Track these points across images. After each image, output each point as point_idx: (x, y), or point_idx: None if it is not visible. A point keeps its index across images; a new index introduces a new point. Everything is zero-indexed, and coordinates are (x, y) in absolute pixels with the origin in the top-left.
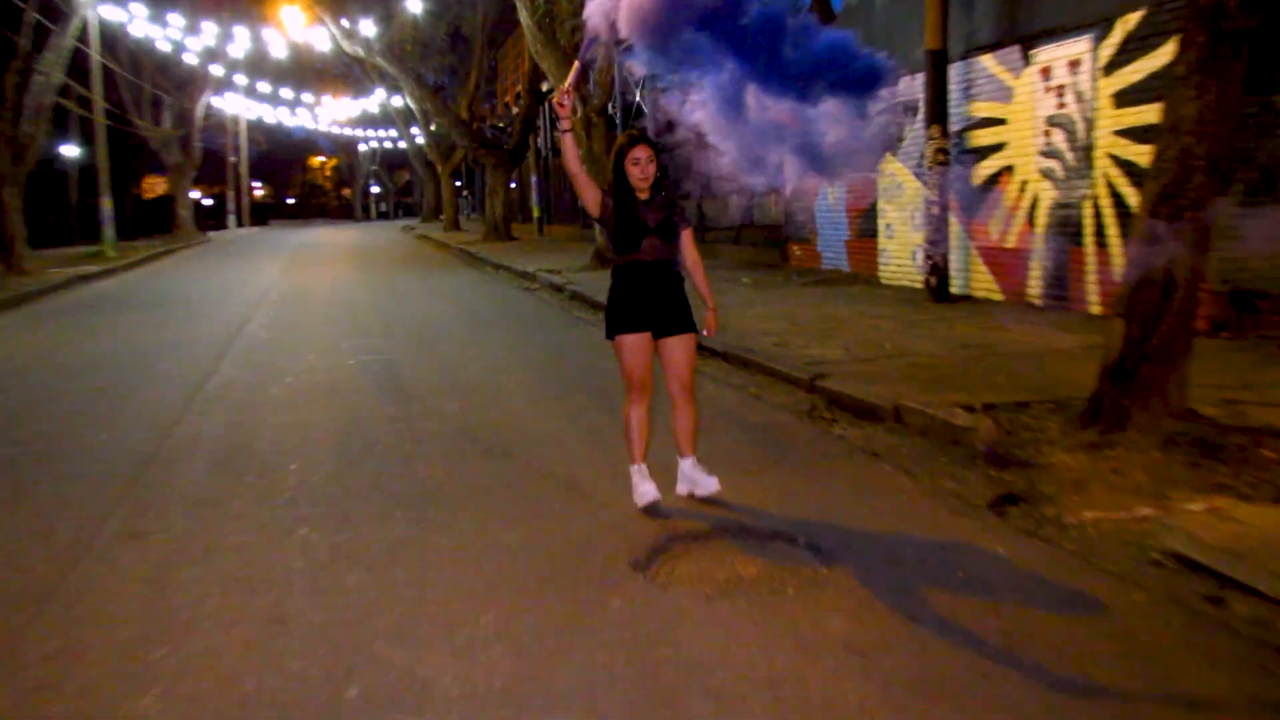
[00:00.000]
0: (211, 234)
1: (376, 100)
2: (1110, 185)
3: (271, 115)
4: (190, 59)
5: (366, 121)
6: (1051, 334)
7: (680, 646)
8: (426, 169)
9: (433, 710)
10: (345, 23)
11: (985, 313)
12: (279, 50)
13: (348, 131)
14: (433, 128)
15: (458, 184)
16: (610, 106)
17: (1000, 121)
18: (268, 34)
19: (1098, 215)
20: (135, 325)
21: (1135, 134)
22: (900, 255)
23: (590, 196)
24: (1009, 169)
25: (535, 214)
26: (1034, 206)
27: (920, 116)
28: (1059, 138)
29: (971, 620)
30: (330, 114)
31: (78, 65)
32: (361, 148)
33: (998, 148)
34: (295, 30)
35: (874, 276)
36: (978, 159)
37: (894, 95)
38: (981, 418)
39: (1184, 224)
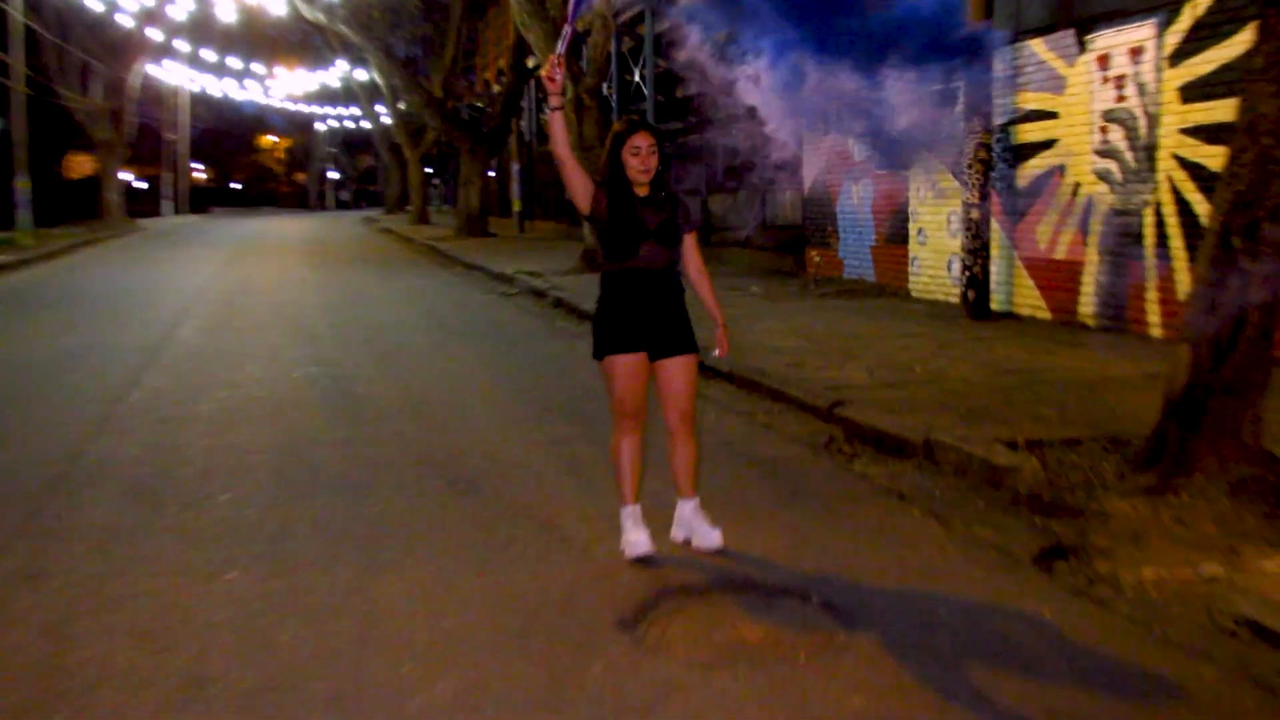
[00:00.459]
0: (144, 222)
1: (338, 73)
2: (1175, 190)
3: (217, 87)
4: (125, 20)
5: (326, 97)
6: (1106, 359)
7: None
8: (393, 153)
9: None
10: None
11: (1030, 333)
12: (227, 13)
13: (304, 108)
14: (401, 106)
15: (428, 171)
16: (605, 87)
17: (1051, 115)
18: None
19: (1160, 224)
20: (49, 326)
21: (1205, 133)
22: (934, 265)
23: (580, 189)
24: (1060, 169)
25: (516, 207)
26: (1088, 213)
27: (958, 107)
28: (1117, 135)
29: (1014, 698)
30: (284, 88)
31: None
32: (319, 127)
33: (1047, 145)
34: None
35: (903, 288)
36: (1024, 157)
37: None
38: (1026, 456)
39: (1261, 236)
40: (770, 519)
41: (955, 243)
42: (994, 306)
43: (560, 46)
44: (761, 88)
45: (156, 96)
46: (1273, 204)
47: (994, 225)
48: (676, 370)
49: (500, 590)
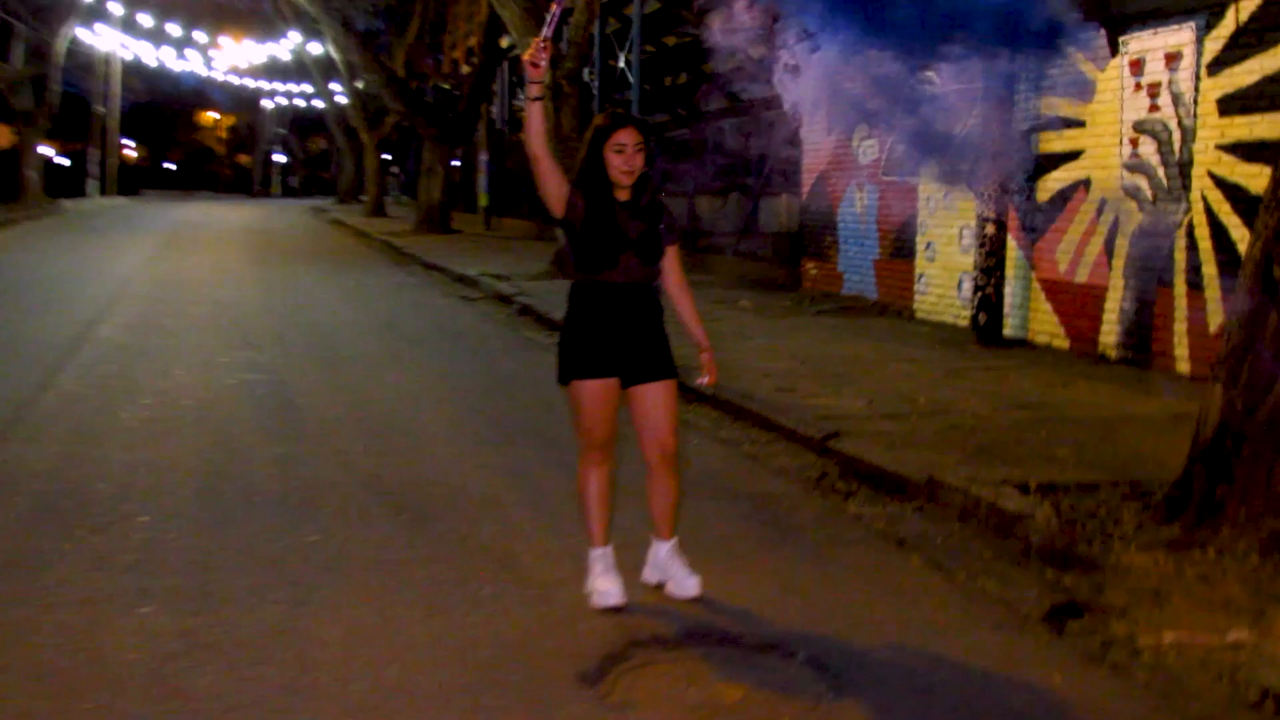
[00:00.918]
0: (66, 203)
1: (289, 46)
2: (1211, 212)
3: (153, 56)
4: None
5: (275, 72)
6: (1129, 396)
7: None
8: (348, 137)
9: None
10: None
11: (1046, 363)
12: None
13: (250, 83)
14: (359, 85)
15: (386, 158)
16: (587, 72)
17: (1078, 124)
18: None
19: (1193, 249)
20: None
21: (1246, 150)
22: (943, 283)
23: (554, 190)
24: (1085, 183)
25: (483, 202)
26: (1114, 233)
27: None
28: (1149, 148)
29: None
30: (229, 60)
31: None
32: (267, 104)
33: (1072, 156)
34: None
35: (907, 308)
36: (1046, 169)
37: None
38: (1038, 502)
39: None
40: (754, 563)
41: (967, 260)
42: (1007, 332)
43: (546, 29)
44: (802, 71)
45: (85, 64)
46: None
47: (1010, 242)
48: (654, 398)
49: (449, 636)
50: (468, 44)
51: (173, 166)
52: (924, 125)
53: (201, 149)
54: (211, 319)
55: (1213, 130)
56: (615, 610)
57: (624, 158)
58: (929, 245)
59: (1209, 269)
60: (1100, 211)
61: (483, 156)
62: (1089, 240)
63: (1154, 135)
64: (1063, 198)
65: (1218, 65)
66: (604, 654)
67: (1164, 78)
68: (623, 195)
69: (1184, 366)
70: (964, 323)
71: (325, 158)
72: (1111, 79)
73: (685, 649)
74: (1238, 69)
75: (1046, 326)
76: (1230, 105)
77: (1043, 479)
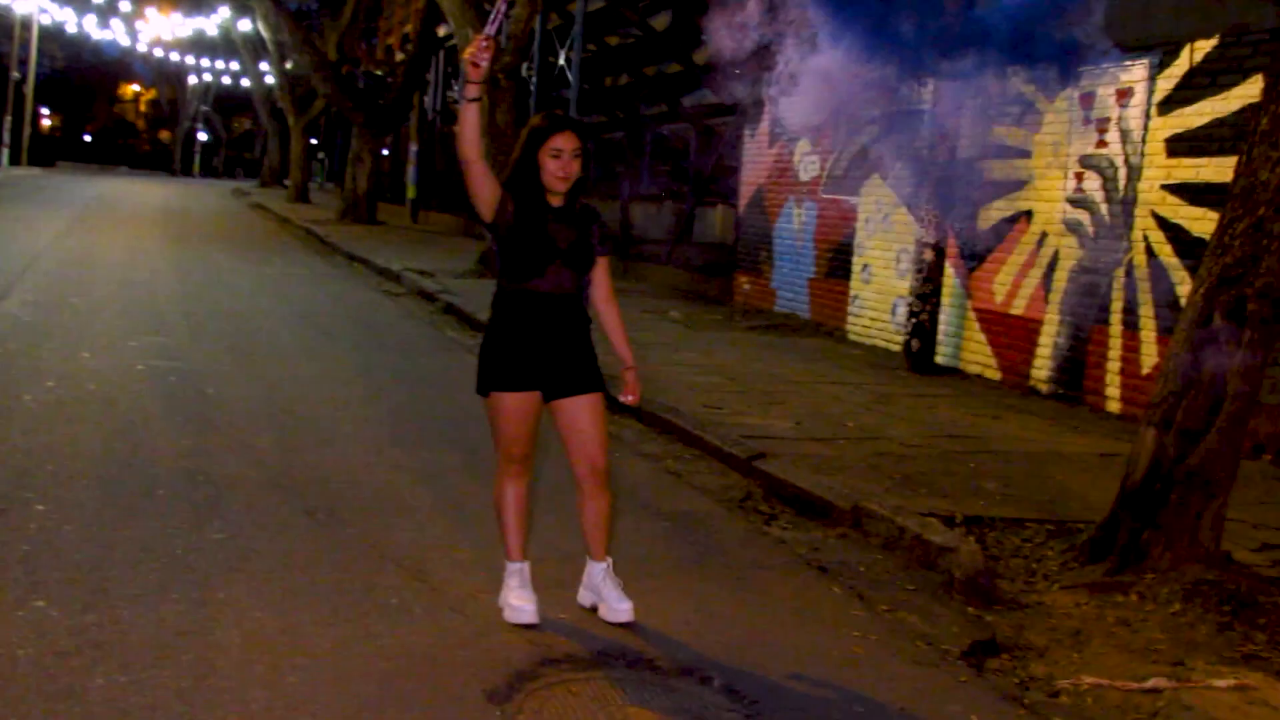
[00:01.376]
0: None
1: (218, 20)
2: (1151, 252)
3: (75, 24)
4: None
5: (202, 47)
6: (1058, 432)
7: None
8: (274, 119)
9: None
10: None
11: (977, 394)
12: None
13: (174, 57)
14: (289, 66)
15: (313, 143)
16: (525, 67)
17: (1023, 153)
18: None
19: (1131, 288)
20: None
21: (1191, 192)
22: (877, 306)
23: (484, 194)
24: (1027, 215)
25: (410, 194)
26: (1053, 266)
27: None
28: (1094, 184)
29: None
30: (154, 31)
31: None
32: (192, 80)
33: (1016, 185)
34: None
35: (840, 329)
36: (990, 197)
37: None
38: (963, 536)
39: (1248, 317)
40: (673, 584)
41: (903, 284)
42: (939, 360)
43: (489, 27)
44: (747, 80)
45: (2, 27)
46: (1263, 282)
47: (948, 269)
48: (580, 412)
49: (355, 645)
50: (403, 30)
51: (90, 139)
52: (870, 143)
53: (121, 122)
54: (122, 301)
55: (1159, 170)
56: (528, 627)
57: (560, 163)
58: (865, 267)
59: (1146, 309)
60: (1040, 244)
61: (413, 147)
62: (1027, 272)
63: (1100, 171)
64: (1004, 228)
65: (1169, 105)
66: (514, 671)
67: (1114, 113)
68: (556, 201)
69: (1114, 405)
70: (896, 347)
71: (249, 139)
72: (1061, 111)
73: (598, 670)
74: (1189, 110)
75: (979, 357)
76: (1179, 146)
77: (969, 512)
